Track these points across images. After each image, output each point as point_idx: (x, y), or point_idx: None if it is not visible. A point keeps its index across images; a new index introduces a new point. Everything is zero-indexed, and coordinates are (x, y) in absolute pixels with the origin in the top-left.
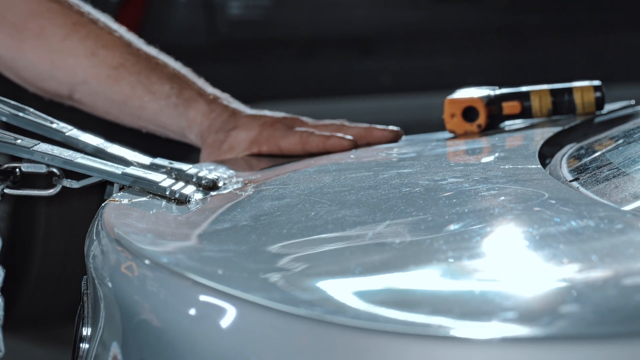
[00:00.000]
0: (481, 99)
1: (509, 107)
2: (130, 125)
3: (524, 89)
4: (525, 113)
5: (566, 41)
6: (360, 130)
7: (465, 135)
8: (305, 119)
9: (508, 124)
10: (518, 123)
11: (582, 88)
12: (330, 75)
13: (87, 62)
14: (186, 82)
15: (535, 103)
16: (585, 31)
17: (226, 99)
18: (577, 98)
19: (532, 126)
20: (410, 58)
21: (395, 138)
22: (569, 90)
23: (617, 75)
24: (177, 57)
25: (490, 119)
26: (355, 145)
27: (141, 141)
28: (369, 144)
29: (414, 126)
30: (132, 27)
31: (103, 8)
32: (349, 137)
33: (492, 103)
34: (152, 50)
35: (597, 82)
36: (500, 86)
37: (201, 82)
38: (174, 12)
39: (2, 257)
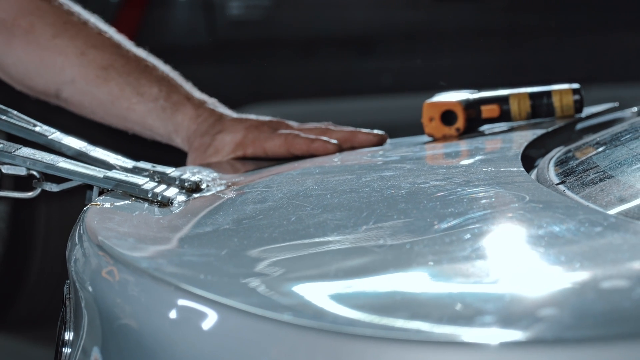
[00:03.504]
0: (460, 102)
1: (487, 110)
2: (117, 127)
3: (502, 92)
4: (504, 116)
5: (566, 41)
6: (345, 134)
7: (448, 138)
8: (290, 122)
9: (487, 127)
10: (500, 126)
11: (560, 91)
12: (330, 75)
13: (76, 61)
14: (174, 86)
15: (514, 106)
16: (584, 31)
17: (213, 103)
18: (555, 101)
19: (516, 129)
20: (410, 58)
21: (380, 142)
22: (548, 94)
23: (617, 76)
24: (177, 57)
25: (469, 123)
26: (339, 148)
27: (131, 145)
28: (353, 148)
29: (413, 126)
30: (132, 27)
31: (103, 8)
32: (333, 140)
33: (471, 106)
34: (141, 53)
35: (575, 85)
36: (500, 87)
37: (189, 86)
38: (174, 12)
39: (2, 257)
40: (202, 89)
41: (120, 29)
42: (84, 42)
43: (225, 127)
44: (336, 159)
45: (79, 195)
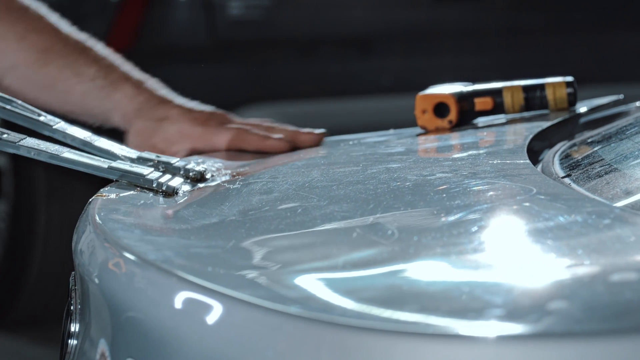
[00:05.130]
0: (453, 95)
1: (481, 103)
2: (58, 111)
3: (496, 85)
4: (497, 109)
5: (566, 41)
6: (288, 133)
7: (454, 130)
8: (233, 116)
9: (488, 119)
10: (498, 118)
11: (554, 84)
12: (330, 75)
13: (17, 46)
14: (113, 65)
15: (507, 99)
16: (585, 31)
17: (154, 83)
18: (549, 94)
19: (520, 121)
20: (410, 58)
21: (319, 141)
22: (541, 86)
23: (617, 75)
24: (177, 57)
25: (461, 115)
26: (290, 147)
27: None
28: (296, 147)
29: (413, 126)
30: (132, 27)
31: (103, 8)
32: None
33: (464, 99)
34: (81, 35)
35: (569, 78)
36: None
37: (129, 67)
38: (174, 12)
39: (2, 257)
40: (202, 89)
41: (120, 29)
42: (24, 26)
43: (169, 115)
44: (340, 150)
45: (80, 195)
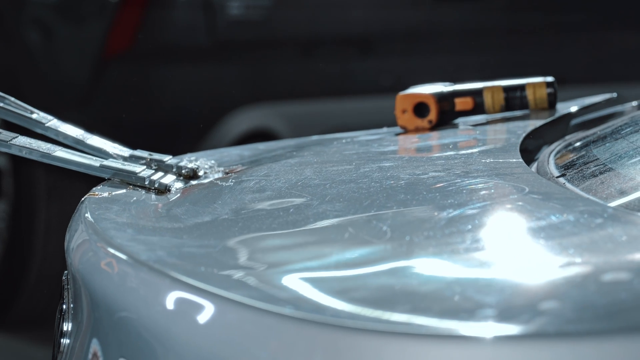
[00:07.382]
0: (433, 95)
1: (461, 103)
2: None
3: (476, 85)
4: (477, 109)
5: (566, 41)
6: None
7: (448, 128)
8: None
9: (480, 118)
10: (495, 118)
11: (534, 84)
12: (330, 75)
13: None
14: None
15: (487, 99)
16: (585, 30)
17: None
18: (529, 94)
19: (513, 120)
20: (410, 58)
21: None
22: (522, 87)
23: (617, 75)
24: (177, 57)
25: (442, 115)
26: None
27: (127, 133)
28: None
29: None
30: (132, 27)
31: (103, 8)
32: None
33: (445, 99)
34: None
35: (549, 78)
36: None
37: None
38: (174, 12)
39: (2, 257)
40: (202, 89)
41: (120, 29)
42: None
43: None
44: (333, 148)
45: (80, 195)
